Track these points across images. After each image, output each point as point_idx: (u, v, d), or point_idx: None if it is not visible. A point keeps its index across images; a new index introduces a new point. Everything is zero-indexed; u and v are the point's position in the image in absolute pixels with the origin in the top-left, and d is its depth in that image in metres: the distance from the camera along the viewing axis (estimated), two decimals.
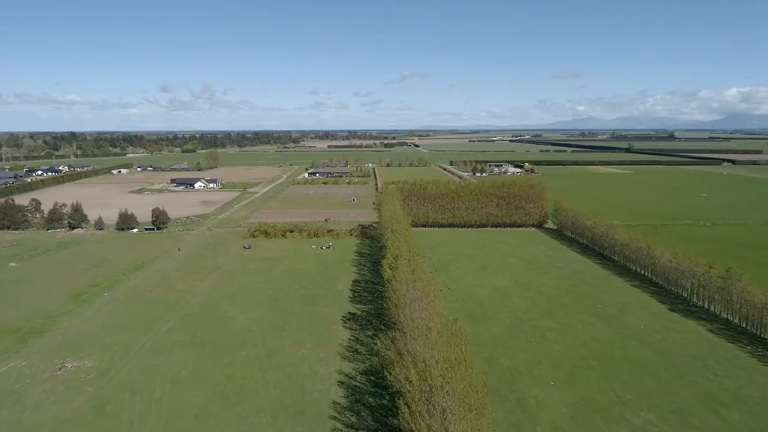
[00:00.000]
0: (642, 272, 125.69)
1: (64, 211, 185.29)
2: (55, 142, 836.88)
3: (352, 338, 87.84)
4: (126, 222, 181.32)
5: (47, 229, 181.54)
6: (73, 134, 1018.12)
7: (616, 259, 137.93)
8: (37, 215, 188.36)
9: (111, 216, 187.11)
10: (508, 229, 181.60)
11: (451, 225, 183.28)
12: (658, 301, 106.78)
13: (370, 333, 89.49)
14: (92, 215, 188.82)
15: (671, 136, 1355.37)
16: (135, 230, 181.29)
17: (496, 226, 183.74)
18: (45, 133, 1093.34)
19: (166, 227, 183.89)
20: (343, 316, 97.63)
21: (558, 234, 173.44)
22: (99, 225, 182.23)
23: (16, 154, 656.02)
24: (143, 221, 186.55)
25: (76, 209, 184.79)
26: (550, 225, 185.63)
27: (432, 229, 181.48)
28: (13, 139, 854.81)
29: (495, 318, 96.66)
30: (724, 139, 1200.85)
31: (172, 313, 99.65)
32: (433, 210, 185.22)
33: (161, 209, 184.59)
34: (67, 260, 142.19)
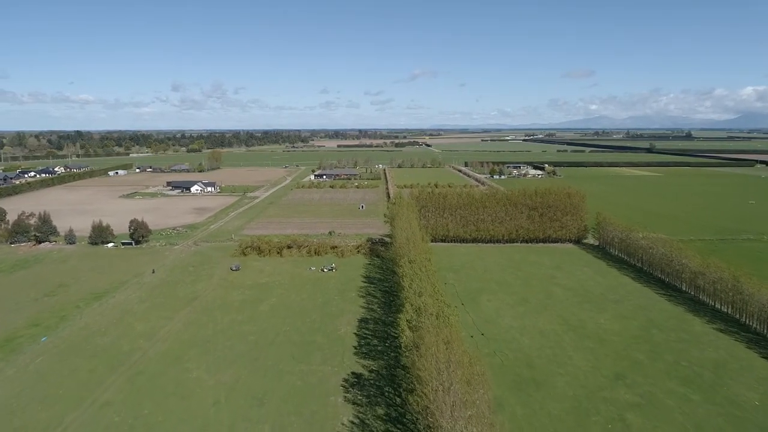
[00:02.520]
0: (723, 309, 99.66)
1: (31, 222, 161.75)
2: (59, 142, 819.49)
3: (356, 420, 62.99)
4: (100, 235, 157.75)
5: (10, 243, 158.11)
6: (79, 133, 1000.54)
7: (684, 289, 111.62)
8: (1, 226, 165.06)
9: (89, 226, 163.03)
10: (542, 245, 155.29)
11: (474, 240, 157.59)
12: (761, 355, 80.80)
13: (381, 412, 64.63)
14: (71, 224, 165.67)
15: (688, 136, 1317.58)
16: (110, 245, 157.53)
17: (526, 242, 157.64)
18: (55, 132, 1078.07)
19: (146, 241, 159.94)
20: (345, 380, 72.77)
21: (602, 252, 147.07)
22: (70, 238, 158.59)
23: (18, 153, 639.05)
24: (124, 233, 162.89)
25: (44, 220, 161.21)
26: (589, 240, 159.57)
27: (453, 244, 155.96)
28: (18, 139, 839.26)
29: (551, 386, 71.19)
30: (744, 138, 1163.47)
31: (119, 373, 75.32)
32: (453, 222, 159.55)
33: (140, 220, 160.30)
34: (18, 285, 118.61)
